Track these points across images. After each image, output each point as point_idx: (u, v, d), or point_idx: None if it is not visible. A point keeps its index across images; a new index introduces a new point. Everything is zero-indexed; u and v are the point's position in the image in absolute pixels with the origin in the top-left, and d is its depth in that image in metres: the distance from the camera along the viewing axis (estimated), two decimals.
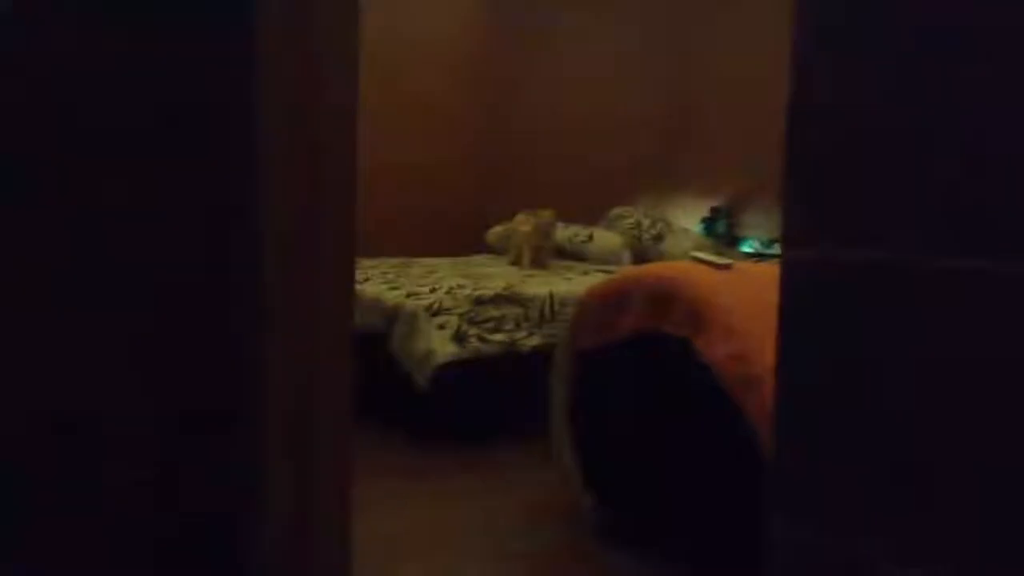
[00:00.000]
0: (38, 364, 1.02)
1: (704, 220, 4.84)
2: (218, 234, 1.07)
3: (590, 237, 4.82)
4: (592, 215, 5.21)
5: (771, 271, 2.54)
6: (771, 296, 2.14)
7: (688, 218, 4.96)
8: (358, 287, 3.61)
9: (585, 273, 4.22)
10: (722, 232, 4.72)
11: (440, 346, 3.31)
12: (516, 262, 4.56)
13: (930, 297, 0.65)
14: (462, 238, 5.77)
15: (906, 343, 0.66)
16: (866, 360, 0.68)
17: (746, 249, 4.48)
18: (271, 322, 1.09)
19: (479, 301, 3.48)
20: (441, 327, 3.36)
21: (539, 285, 3.74)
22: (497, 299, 3.52)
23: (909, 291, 0.66)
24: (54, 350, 1.02)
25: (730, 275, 2.29)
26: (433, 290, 3.52)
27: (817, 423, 0.71)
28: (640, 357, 2.43)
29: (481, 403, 3.53)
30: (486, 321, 3.45)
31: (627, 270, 2.49)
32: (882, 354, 0.67)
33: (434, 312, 3.38)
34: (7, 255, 1.01)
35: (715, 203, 4.84)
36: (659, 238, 4.75)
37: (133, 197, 1.03)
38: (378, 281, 3.78)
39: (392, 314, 3.46)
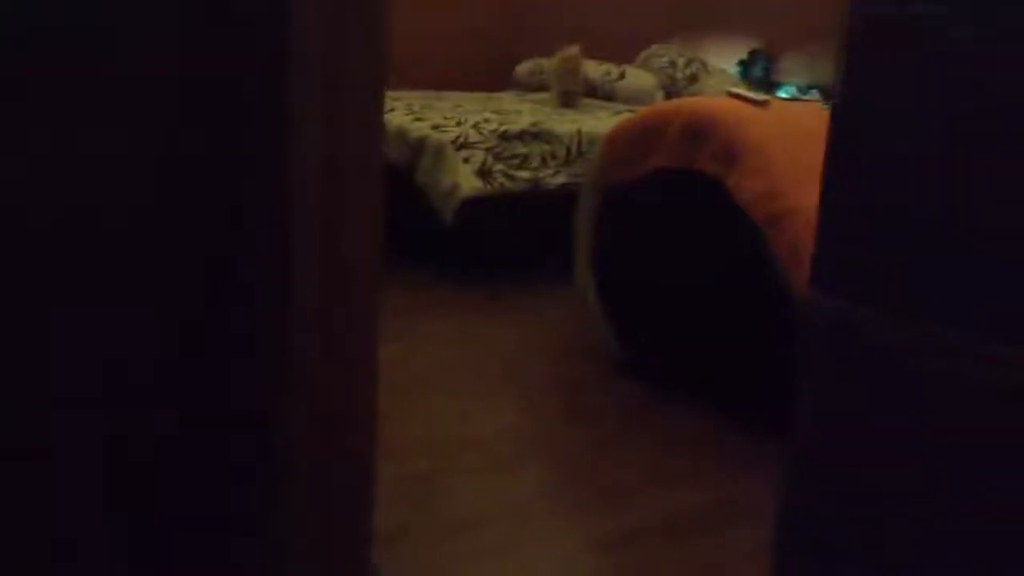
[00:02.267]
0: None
1: (741, 62, 4.66)
2: (242, 55, 1.02)
3: (622, 76, 4.67)
4: (625, 54, 5.03)
5: (806, 109, 2.46)
6: (805, 133, 2.06)
7: (724, 60, 4.78)
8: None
9: (616, 113, 4.11)
10: (759, 76, 4.55)
11: (465, 181, 3.28)
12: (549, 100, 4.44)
13: None
14: (490, 75, 5.62)
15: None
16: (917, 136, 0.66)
17: (783, 95, 4.33)
18: (298, 152, 1.05)
19: (505, 136, 3.41)
20: (466, 161, 3.31)
21: (568, 123, 3.65)
22: (524, 135, 3.45)
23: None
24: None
25: (765, 112, 2.22)
26: (459, 123, 3.45)
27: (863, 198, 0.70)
28: (668, 194, 2.39)
29: (506, 239, 3.53)
30: (512, 157, 3.40)
31: (660, 104, 2.41)
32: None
33: (459, 146, 3.33)
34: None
35: (753, 45, 4.65)
36: (693, 79, 4.60)
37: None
38: (403, 113, 3.71)
39: (417, 146, 3.41)
